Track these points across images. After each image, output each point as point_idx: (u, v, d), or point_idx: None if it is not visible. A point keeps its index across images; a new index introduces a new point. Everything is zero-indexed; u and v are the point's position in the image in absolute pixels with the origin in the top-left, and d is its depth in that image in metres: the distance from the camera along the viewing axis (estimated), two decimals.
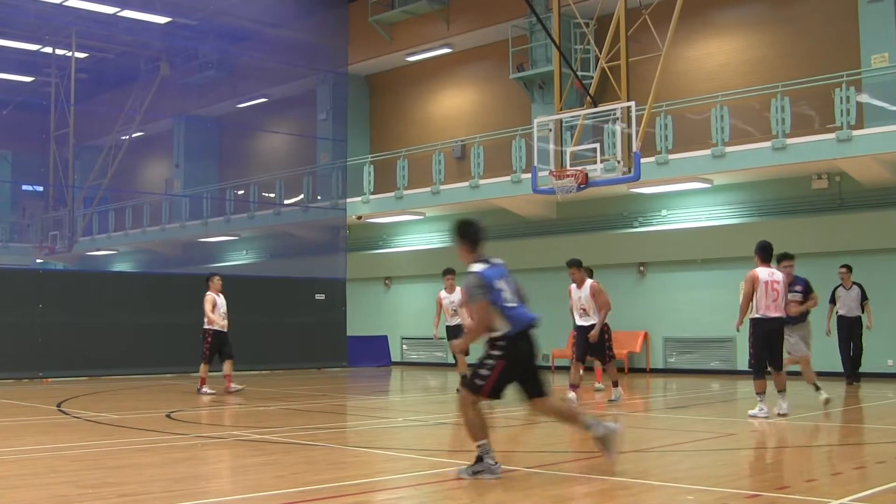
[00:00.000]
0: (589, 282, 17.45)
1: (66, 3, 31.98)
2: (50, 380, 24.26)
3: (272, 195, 37.54)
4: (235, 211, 38.26)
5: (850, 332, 21.50)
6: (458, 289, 19.50)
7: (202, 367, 20.15)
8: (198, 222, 38.98)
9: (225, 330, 20.18)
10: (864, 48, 25.18)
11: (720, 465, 10.08)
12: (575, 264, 17.49)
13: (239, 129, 42.01)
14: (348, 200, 33.40)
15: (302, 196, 36.40)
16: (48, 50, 37.58)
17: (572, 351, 18.12)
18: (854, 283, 21.19)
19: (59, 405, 17.20)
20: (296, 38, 35.38)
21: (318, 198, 35.74)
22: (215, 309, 20.12)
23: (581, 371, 18.02)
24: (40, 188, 42.75)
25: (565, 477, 9.03)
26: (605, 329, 17.65)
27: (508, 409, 14.71)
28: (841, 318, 21.53)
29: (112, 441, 12.10)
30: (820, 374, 23.85)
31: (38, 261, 40.64)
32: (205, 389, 19.78)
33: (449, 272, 20.09)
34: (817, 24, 27.04)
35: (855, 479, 9.09)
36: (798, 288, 16.39)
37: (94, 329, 26.11)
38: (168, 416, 15.11)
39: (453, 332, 19.96)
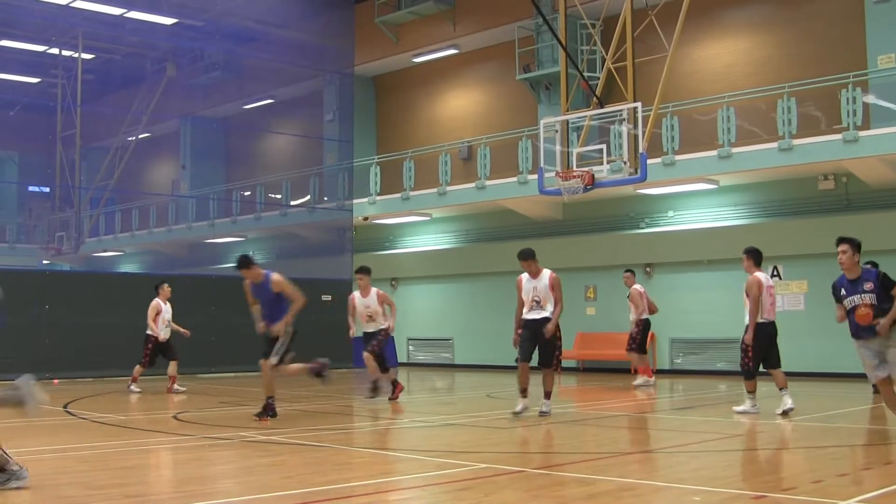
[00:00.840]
0: (547, 272, 14.89)
1: (72, 5, 32.01)
2: (57, 380, 24.27)
3: (278, 196, 37.54)
4: (242, 212, 38.27)
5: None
6: (373, 291, 18.56)
7: (137, 367, 20.79)
8: (204, 223, 38.98)
9: (167, 338, 20.94)
10: (870, 49, 25.16)
11: (726, 465, 10.08)
12: (530, 256, 14.98)
13: (245, 130, 42.02)
14: (355, 201, 33.40)
15: (308, 197, 36.40)
16: (54, 51, 37.62)
17: (516, 351, 14.95)
18: None
19: (65, 406, 17.22)
20: (302, 39, 35.38)
21: (325, 199, 35.74)
22: (158, 317, 20.72)
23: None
24: (47, 189, 42.73)
25: (572, 478, 9.03)
26: (558, 329, 14.93)
27: (512, 410, 14.72)
28: None
29: (119, 442, 12.12)
30: (843, 377, 23.94)
31: (45, 262, 40.65)
32: (133, 388, 20.59)
33: (363, 271, 18.65)
34: (824, 24, 27.03)
35: (862, 480, 9.08)
36: (868, 286, 11.73)
37: (101, 330, 26.12)
38: (175, 417, 15.12)
39: (368, 338, 18.73)
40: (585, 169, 21.33)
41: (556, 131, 22.05)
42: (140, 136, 40.92)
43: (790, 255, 25.54)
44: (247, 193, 39.38)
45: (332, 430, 13.61)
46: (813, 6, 27.37)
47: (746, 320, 15.55)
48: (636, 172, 20.53)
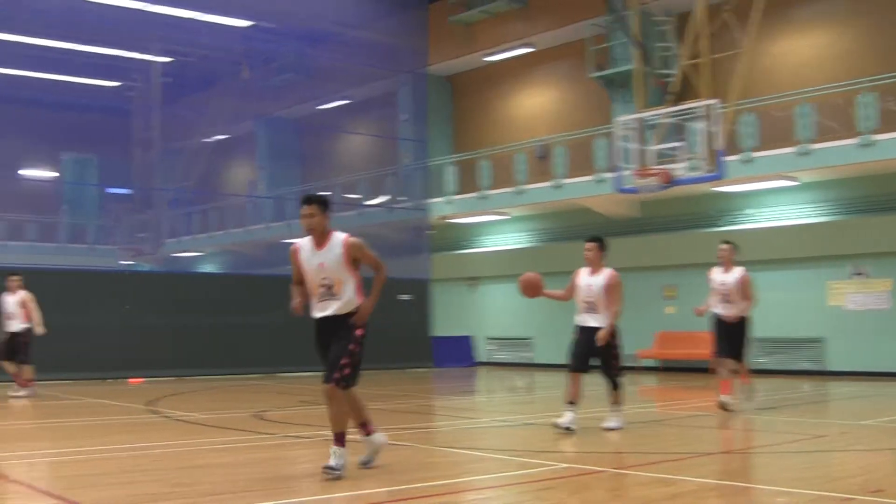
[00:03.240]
0: (339, 236, 9.54)
1: (149, 9, 32.39)
2: (142, 379, 24.52)
3: (355, 196, 37.73)
4: None
5: None
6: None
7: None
8: (281, 223, 39.20)
9: (10, 331, 19.92)
10: None
11: (811, 467, 9.97)
12: (317, 201, 9.73)
13: (320, 130, 42.28)
14: (432, 201, 33.50)
15: (385, 197, 36.55)
16: (132, 55, 38.07)
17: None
18: None
19: (147, 405, 17.42)
20: (376, 40, 35.54)
21: (401, 199, 35.88)
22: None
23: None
24: (126, 191, 43.28)
25: (653, 478, 8.97)
26: (360, 334, 9.43)
27: (592, 409, 14.65)
28: None
29: (200, 440, 12.24)
30: None
31: (125, 263, 41.16)
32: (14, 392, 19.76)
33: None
34: None
35: None
36: None
37: (181, 330, 26.46)
38: (256, 415, 15.25)
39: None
40: (662, 167, 21.23)
41: (632, 129, 21.97)
42: (217, 138, 41.35)
43: (873, 252, 25.19)
44: (322, 194, 39.62)
45: (412, 429, 13.65)
46: None
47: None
48: (713, 170, 20.40)
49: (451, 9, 34.99)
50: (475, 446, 12.01)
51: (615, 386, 13.01)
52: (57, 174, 45.15)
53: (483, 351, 33.84)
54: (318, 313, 9.37)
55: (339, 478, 8.76)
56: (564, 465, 9.75)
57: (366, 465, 9.49)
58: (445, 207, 33.33)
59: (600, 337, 12.51)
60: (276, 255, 40.37)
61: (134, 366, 25.25)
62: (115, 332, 25.67)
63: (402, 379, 25.76)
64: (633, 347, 28.86)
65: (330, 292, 9.28)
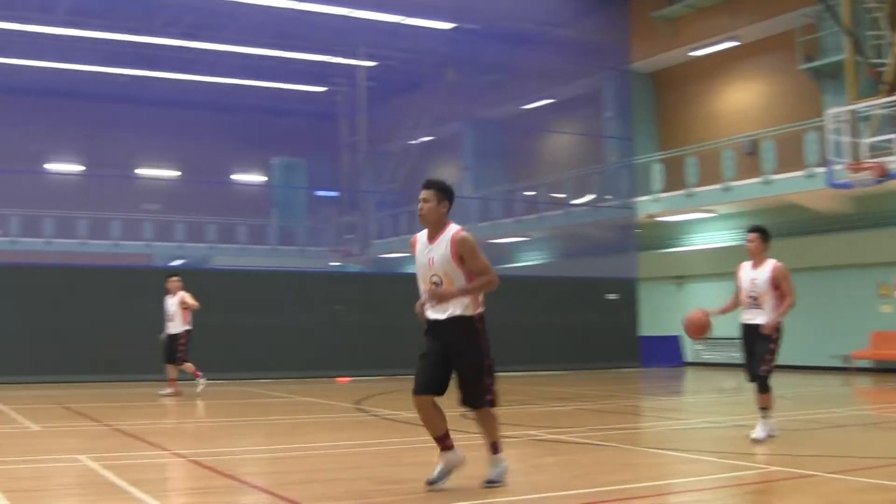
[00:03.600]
0: (451, 230, 8.75)
1: (353, 15, 33.06)
2: (350, 379, 24.91)
3: (561, 195, 37.72)
4: (525, 212, 38.60)
5: None
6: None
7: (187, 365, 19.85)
8: (487, 224, 39.47)
9: (169, 333, 19.82)
10: None
11: None
12: (434, 187, 8.84)
13: (525, 130, 42.36)
14: (638, 199, 33.25)
15: (590, 196, 36.45)
16: (338, 61, 38.88)
17: None
18: None
19: (355, 403, 17.73)
20: (578, 38, 35.50)
21: (607, 197, 35.72)
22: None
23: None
24: (334, 194, 44.23)
25: (868, 483, 8.71)
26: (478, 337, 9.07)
27: (804, 411, 14.32)
28: None
29: (407, 439, 12.41)
30: None
31: (334, 264, 42.03)
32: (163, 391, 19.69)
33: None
34: None
35: None
36: None
37: (388, 329, 26.83)
38: (462, 415, 15.36)
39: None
40: (876, 160, 20.63)
41: (844, 122, 21.42)
42: (423, 140, 41.88)
43: None
44: (529, 193, 39.72)
45: (620, 430, 13.58)
46: None
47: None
48: None
49: (653, 4, 34.66)
50: (683, 447, 11.87)
51: (762, 388, 11.66)
52: (266, 178, 46.53)
53: (690, 351, 33.39)
54: (432, 315, 8.83)
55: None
56: (774, 469, 9.57)
57: (435, 482, 8.54)
58: (652, 205, 33.01)
59: (767, 326, 11.59)
60: (484, 255, 40.69)
61: (342, 365, 25.72)
62: (325, 332, 26.28)
63: (608, 379, 25.63)
64: (847, 348, 28.08)
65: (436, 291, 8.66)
